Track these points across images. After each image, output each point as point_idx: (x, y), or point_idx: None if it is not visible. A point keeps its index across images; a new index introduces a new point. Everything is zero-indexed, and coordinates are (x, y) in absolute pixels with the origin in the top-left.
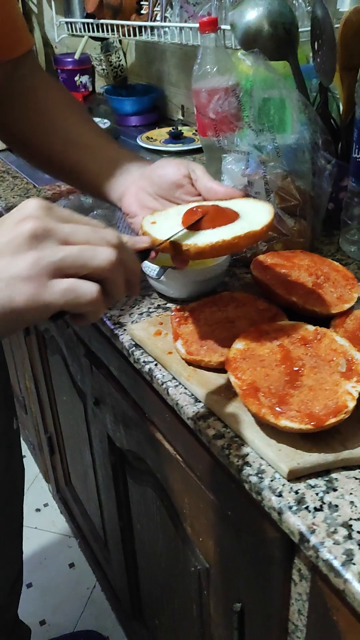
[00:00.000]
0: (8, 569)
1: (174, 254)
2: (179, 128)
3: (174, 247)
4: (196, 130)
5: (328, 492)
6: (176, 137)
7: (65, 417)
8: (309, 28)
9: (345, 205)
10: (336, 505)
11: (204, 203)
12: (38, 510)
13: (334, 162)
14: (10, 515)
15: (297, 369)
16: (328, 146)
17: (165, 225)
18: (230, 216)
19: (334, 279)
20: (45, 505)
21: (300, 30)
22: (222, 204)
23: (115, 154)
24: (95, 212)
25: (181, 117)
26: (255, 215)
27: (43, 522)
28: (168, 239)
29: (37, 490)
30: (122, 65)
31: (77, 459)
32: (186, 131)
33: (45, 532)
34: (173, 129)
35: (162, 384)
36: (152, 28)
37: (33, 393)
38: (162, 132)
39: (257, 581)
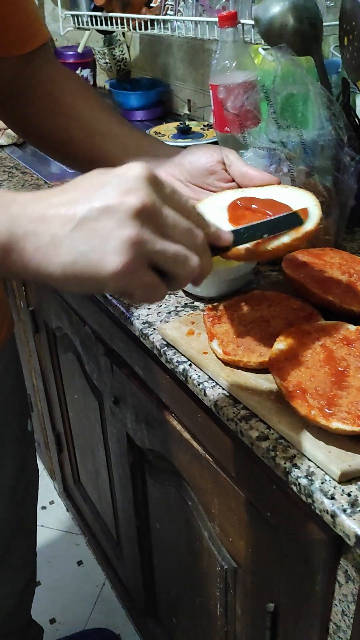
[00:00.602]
0: (23, 570)
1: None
2: (187, 123)
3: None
4: (204, 125)
5: None
6: (184, 132)
7: (77, 415)
8: (330, 23)
9: None
10: None
11: (243, 192)
12: (44, 507)
13: (359, 158)
14: (25, 517)
15: (342, 369)
16: (353, 142)
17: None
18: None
19: None
20: (52, 502)
21: (325, 24)
22: (259, 192)
23: (140, 141)
24: None
25: (187, 112)
26: (302, 207)
27: (49, 519)
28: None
29: (42, 487)
30: (126, 58)
31: (88, 458)
32: (194, 126)
33: (52, 530)
34: (181, 123)
35: (199, 385)
36: (164, 22)
37: (41, 391)
38: (169, 127)
39: (295, 581)
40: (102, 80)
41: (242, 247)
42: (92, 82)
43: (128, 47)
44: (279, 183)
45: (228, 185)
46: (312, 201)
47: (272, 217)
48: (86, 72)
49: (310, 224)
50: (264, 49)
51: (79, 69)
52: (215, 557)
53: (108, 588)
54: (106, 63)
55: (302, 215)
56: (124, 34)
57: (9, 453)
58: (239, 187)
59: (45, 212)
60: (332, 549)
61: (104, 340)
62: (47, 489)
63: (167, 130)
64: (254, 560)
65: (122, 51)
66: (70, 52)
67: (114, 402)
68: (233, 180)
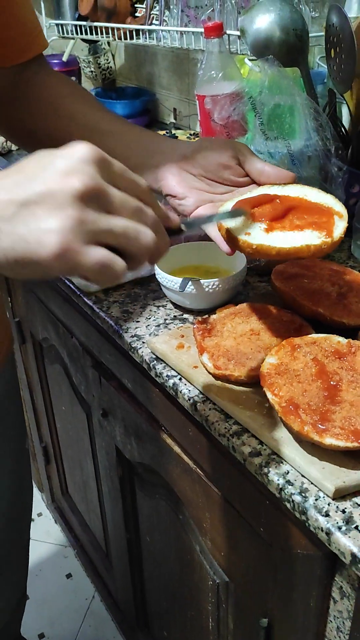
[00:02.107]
0: (15, 586)
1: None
2: (173, 132)
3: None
4: (191, 134)
5: None
6: None
7: (64, 427)
8: (315, 34)
9: (357, 212)
10: None
11: (272, 191)
12: (32, 520)
13: (346, 168)
14: (19, 534)
15: (334, 383)
16: (340, 153)
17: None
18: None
19: (357, 289)
20: (39, 514)
21: (311, 35)
22: (281, 190)
23: (142, 137)
24: None
25: (174, 121)
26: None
27: (37, 532)
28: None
29: None
30: (111, 67)
31: (76, 470)
32: (180, 134)
33: (40, 543)
34: (167, 132)
35: (189, 399)
36: (149, 32)
37: (27, 402)
38: None
39: (289, 597)
40: (88, 88)
41: (255, 242)
42: None
43: (113, 56)
44: (294, 180)
45: (243, 179)
46: (335, 203)
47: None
48: None
49: (338, 231)
50: (250, 60)
51: None
52: (207, 571)
53: (97, 601)
54: (91, 72)
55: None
56: (109, 42)
57: (7, 472)
58: (255, 183)
59: None
60: (327, 565)
61: (92, 353)
62: (35, 501)
63: None
64: (246, 575)
65: (107, 60)
66: (55, 61)
67: (102, 414)
68: (247, 175)
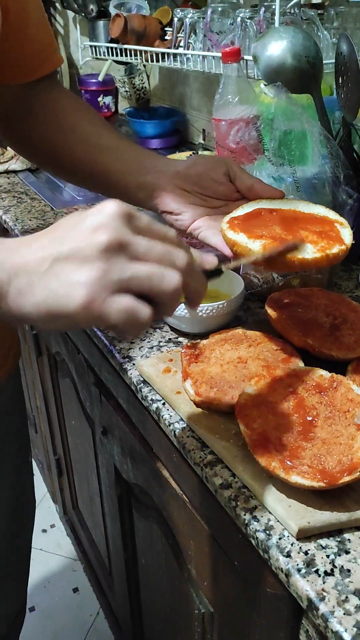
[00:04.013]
0: (13, 600)
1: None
2: (199, 152)
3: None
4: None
5: (340, 555)
6: None
7: (74, 441)
8: (333, 60)
9: None
10: (348, 570)
11: (262, 205)
12: (44, 531)
13: (356, 196)
14: (19, 548)
15: (310, 418)
16: (350, 180)
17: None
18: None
19: (352, 321)
20: (52, 526)
21: (325, 62)
22: (269, 204)
23: (138, 154)
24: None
25: (202, 141)
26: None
27: (49, 543)
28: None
29: (44, 510)
30: (146, 87)
31: (84, 484)
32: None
33: (50, 555)
34: (193, 152)
35: (170, 425)
36: (174, 55)
37: (43, 413)
38: (182, 156)
39: (262, 635)
40: (123, 108)
41: (261, 255)
42: (113, 109)
43: (148, 77)
44: (284, 196)
45: (236, 194)
46: (333, 215)
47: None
48: (108, 100)
49: (348, 238)
50: (264, 87)
51: (101, 96)
52: (193, 599)
53: (102, 618)
54: (126, 91)
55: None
56: (144, 64)
57: (7, 485)
58: (246, 198)
59: (25, 257)
60: (293, 607)
61: (94, 370)
62: (49, 512)
63: (179, 158)
64: (226, 608)
65: (142, 80)
66: (93, 80)
67: (103, 432)
68: (239, 191)
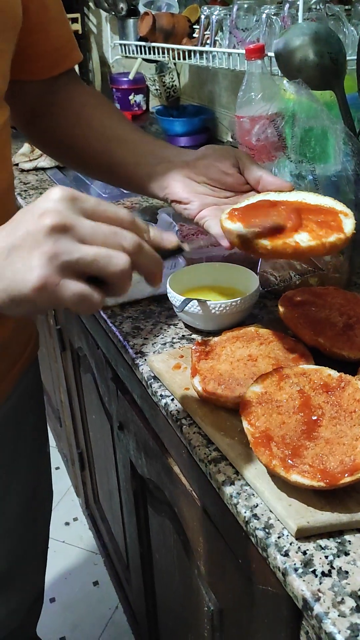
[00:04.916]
0: (29, 589)
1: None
2: None
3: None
4: None
5: (339, 556)
6: None
7: (95, 435)
8: None
9: None
10: (346, 572)
11: (270, 197)
12: (67, 524)
13: None
14: (36, 537)
15: (315, 418)
16: None
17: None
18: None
19: None
20: (75, 519)
21: (350, 58)
22: (278, 196)
23: (151, 146)
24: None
25: (230, 139)
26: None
27: (71, 536)
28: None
29: (68, 503)
30: (176, 85)
31: (104, 478)
32: None
33: (72, 547)
34: None
35: (177, 421)
36: (201, 52)
37: (67, 407)
38: None
39: (265, 634)
40: (153, 105)
41: (269, 243)
42: (144, 108)
43: (178, 75)
44: (292, 189)
45: (245, 186)
46: (341, 206)
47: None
48: (139, 98)
49: (348, 227)
50: (287, 83)
51: (132, 94)
52: (203, 596)
53: (120, 612)
54: (156, 89)
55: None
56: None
57: (23, 472)
58: (254, 190)
59: None
60: (294, 607)
61: (112, 365)
62: (73, 505)
63: None
64: (233, 606)
65: (172, 78)
66: (124, 79)
67: (119, 427)
68: (248, 183)
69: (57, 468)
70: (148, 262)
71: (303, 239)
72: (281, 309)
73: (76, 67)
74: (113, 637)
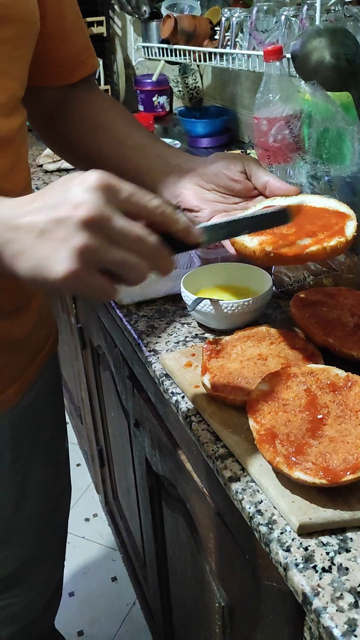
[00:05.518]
0: (49, 580)
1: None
2: (248, 151)
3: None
4: None
5: (340, 553)
6: None
7: (114, 432)
8: None
9: None
10: (346, 568)
11: (276, 202)
12: (87, 520)
13: None
14: (54, 529)
15: (321, 416)
16: None
17: None
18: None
19: None
20: (95, 515)
21: None
22: (283, 201)
23: (164, 152)
24: None
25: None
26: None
27: (91, 532)
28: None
29: (88, 499)
30: (198, 87)
31: (122, 475)
32: (254, 154)
33: (91, 543)
34: (243, 151)
35: (187, 418)
36: (221, 54)
37: (87, 405)
38: None
39: (271, 630)
40: (177, 106)
41: (271, 249)
42: (167, 109)
43: (201, 76)
44: (299, 193)
45: (254, 192)
46: (344, 208)
47: (254, 213)
48: (162, 99)
49: (350, 229)
50: (305, 85)
51: (156, 96)
52: (214, 592)
53: (137, 608)
54: (179, 91)
55: (294, 211)
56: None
57: (40, 466)
58: (262, 195)
59: (17, 220)
60: (297, 603)
61: (128, 363)
62: (93, 502)
63: None
64: (242, 602)
65: (195, 80)
66: (148, 80)
67: (135, 424)
68: (256, 189)
69: (78, 465)
70: (163, 264)
71: (305, 244)
72: (292, 308)
73: (100, 69)
74: (130, 633)
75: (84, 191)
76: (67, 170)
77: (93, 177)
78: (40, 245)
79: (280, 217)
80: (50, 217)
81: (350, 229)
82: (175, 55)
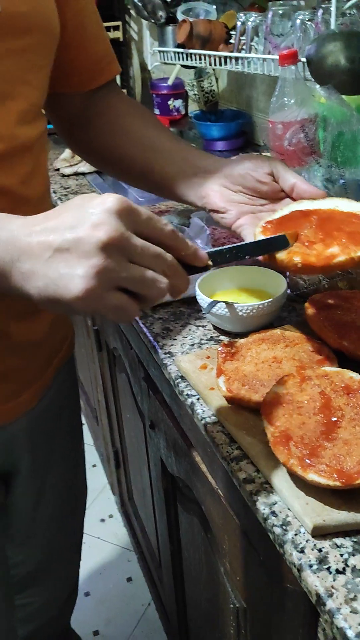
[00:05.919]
0: (65, 581)
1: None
2: (263, 153)
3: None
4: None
5: (354, 555)
6: None
7: (129, 434)
8: None
9: None
10: None
11: (303, 206)
12: (102, 520)
13: None
14: (71, 530)
15: (335, 419)
16: None
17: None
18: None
19: None
20: (110, 516)
21: None
22: (311, 204)
23: (189, 155)
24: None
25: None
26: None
27: (106, 533)
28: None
29: (104, 500)
30: (214, 90)
31: (138, 477)
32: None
33: (107, 544)
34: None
35: (202, 420)
36: (236, 58)
37: (103, 406)
38: None
39: (285, 631)
40: (192, 110)
41: (298, 260)
42: (183, 112)
43: (216, 80)
44: (325, 197)
45: (281, 194)
46: None
47: (256, 240)
48: (178, 103)
49: None
50: (320, 89)
51: (171, 99)
52: (228, 594)
53: (153, 609)
54: (195, 94)
55: (290, 238)
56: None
57: (56, 467)
58: (289, 197)
59: (28, 240)
60: (311, 604)
61: (144, 365)
62: (109, 502)
63: None
64: (256, 603)
65: (211, 83)
66: (163, 84)
67: (150, 426)
68: (283, 191)
69: (94, 466)
70: (179, 282)
71: (333, 253)
72: (307, 311)
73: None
74: (145, 634)
75: (103, 213)
76: (83, 174)
77: (112, 199)
78: (54, 265)
79: (279, 243)
80: (68, 237)
81: None
82: (191, 60)
